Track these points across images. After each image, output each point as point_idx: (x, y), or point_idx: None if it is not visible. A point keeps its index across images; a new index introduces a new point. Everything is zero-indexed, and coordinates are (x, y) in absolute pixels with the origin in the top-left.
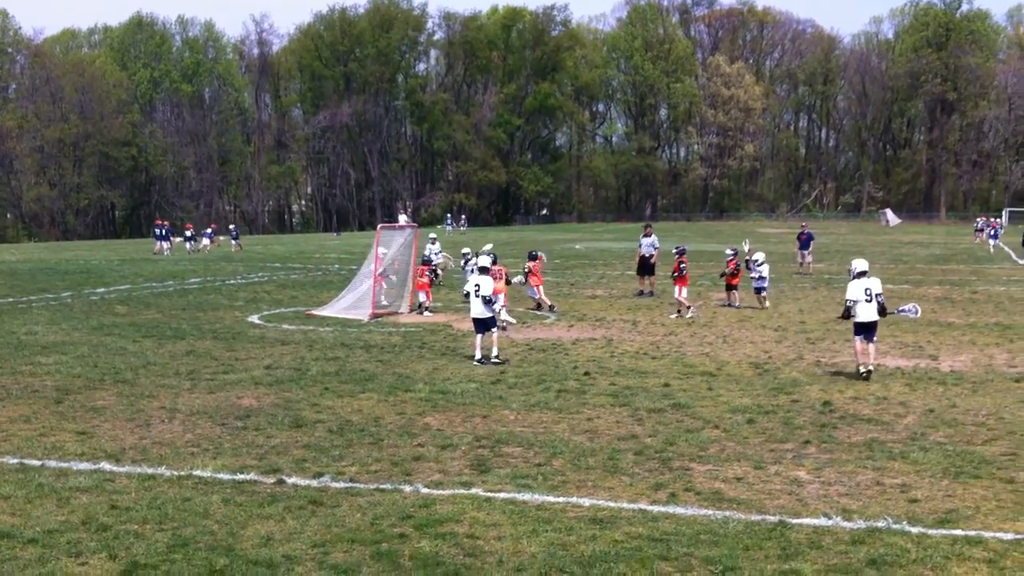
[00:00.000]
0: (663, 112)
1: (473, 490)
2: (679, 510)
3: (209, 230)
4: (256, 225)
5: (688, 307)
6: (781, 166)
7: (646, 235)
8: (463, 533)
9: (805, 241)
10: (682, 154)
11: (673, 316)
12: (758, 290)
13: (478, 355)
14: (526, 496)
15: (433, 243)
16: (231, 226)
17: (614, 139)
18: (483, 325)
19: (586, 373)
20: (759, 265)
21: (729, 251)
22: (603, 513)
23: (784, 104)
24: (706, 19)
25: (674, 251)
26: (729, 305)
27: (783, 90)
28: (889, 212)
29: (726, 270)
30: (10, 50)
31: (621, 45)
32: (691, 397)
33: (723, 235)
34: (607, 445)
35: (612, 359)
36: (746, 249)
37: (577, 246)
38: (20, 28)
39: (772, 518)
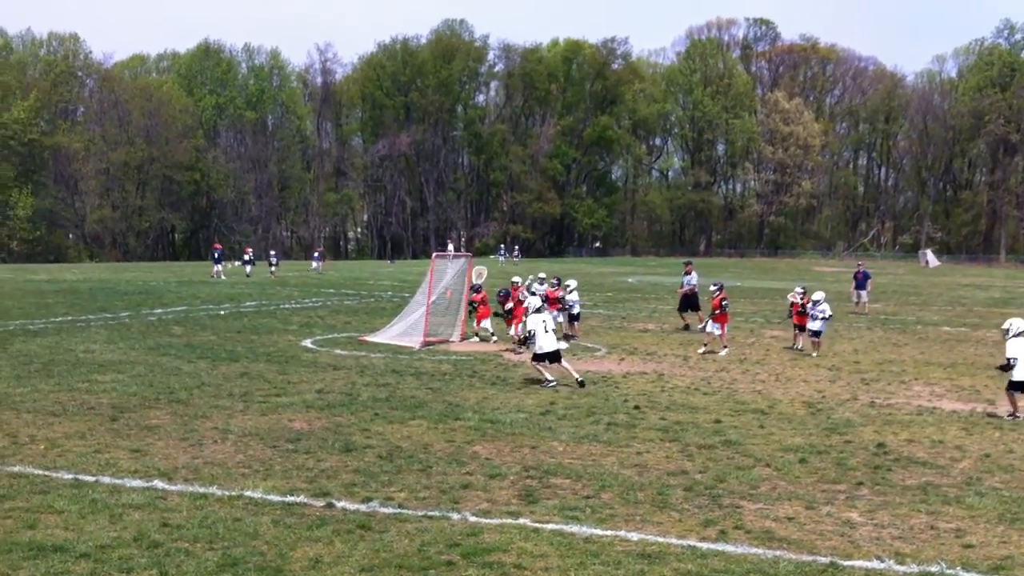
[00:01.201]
0: (720, 147)
1: (521, 520)
2: (729, 548)
3: (273, 255)
4: (312, 252)
5: (724, 346)
6: (839, 204)
7: (687, 273)
8: (510, 563)
9: (861, 280)
10: (738, 190)
11: (700, 351)
12: (815, 334)
13: (577, 376)
14: (574, 528)
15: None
16: (271, 252)
17: (670, 173)
18: (558, 355)
19: (636, 407)
20: (819, 306)
21: (799, 289)
22: (652, 548)
23: (844, 141)
24: (767, 55)
25: (712, 287)
26: (792, 347)
27: (843, 127)
28: (929, 253)
29: (798, 308)
30: (80, 74)
31: (680, 79)
32: (742, 434)
33: (778, 272)
34: (656, 480)
35: (663, 394)
36: (798, 298)
37: (630, 279)
38: (90, 52)
39: (824, 559)
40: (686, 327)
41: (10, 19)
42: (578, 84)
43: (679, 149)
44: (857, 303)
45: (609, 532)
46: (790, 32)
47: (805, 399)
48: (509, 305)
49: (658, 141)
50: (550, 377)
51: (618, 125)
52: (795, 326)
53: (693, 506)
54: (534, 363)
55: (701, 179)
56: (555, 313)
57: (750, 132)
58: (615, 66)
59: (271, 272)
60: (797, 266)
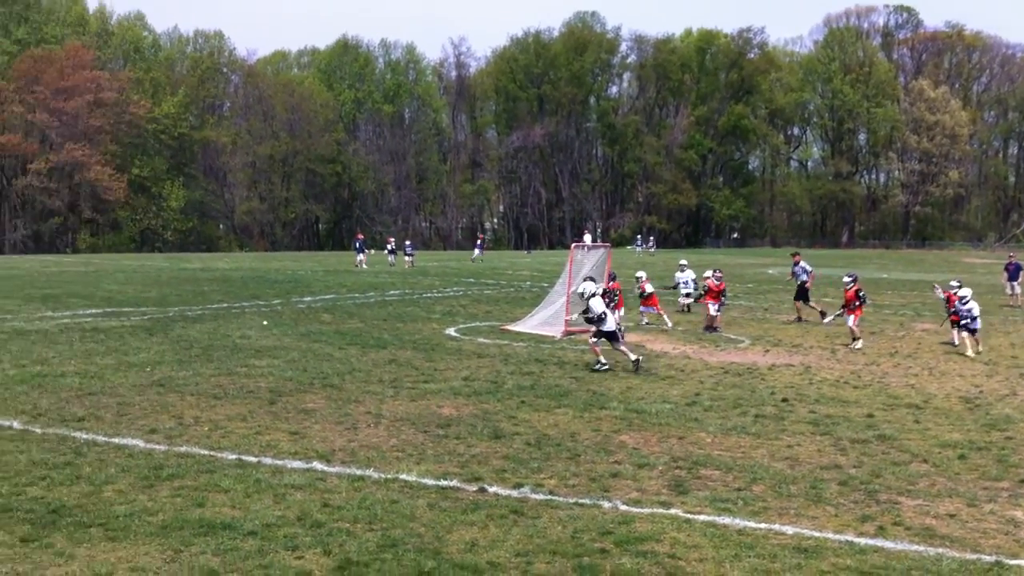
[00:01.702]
0: (862, 137)
1: (672, 510)
2: (888, 544)
3: (409, 244)
4: (450, 242)
5: (855, 338)
6: (989, 194)
7: (796, 263)
8: (664, 553)
9: (1013, 272)
10: (881, 180)
11: (856, 345)
12: (972, 331)
13: (634, 356)
14: (726, 520)
15: (683, 270)
16: (407, 242)
17: (809, 163)
18: (616, 335)
19: (784, 399)
20: (965, 303)
21: (954, 283)
22: (808, 542)
23: (992, 130)
24: (909, 42)
25: (847, 279)
26: (950, 343)
27: (991, 116)
28: None
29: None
30: (225, 70)
31: (818, 68)
32: (897, 429)
33: (925, 264)
34: (809, 474)
35: (811, 386)
36: (940, 295)
37: (770, 271)
38: (235, 49)
39: (988, 558)
40: (799, 319)
41: (158, 17)
42: (712, 74)
43: (818, 138)
44: (1011, 295)
45: (763, 525)
46: (932, 19)
47: (961, 394)
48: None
49: (796, 130)
50: (604, 360)
51: (754, 115)
52: (952, 322)
53: (849, 501)
54: (593, 342)
55: (842, 169)
56: (718, 305)
57: (893, 121)
58: (751, 55)
59: (408, 262)
60: (946, 258)
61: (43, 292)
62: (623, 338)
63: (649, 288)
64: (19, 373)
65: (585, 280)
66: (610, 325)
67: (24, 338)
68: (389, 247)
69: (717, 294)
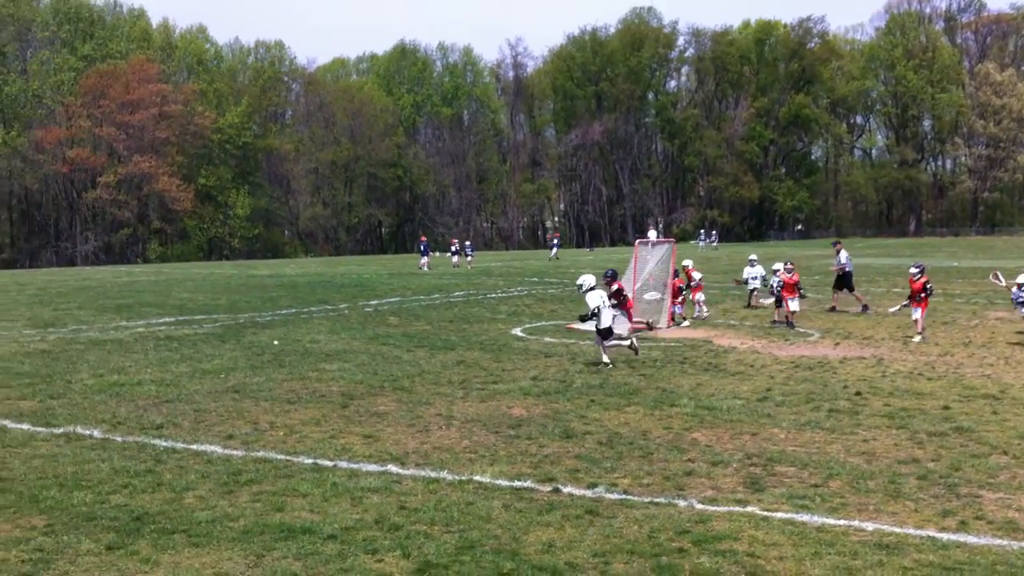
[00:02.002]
0: (927, 123)
1: (749, 508)
2: (971, 539)
3: (468, 245)
4: (512, 241)
5: (920, 332)
6: None
7: (837, 252)
8: (743, 551)
9: None
10: (948, 166)
11: (916, 339)
12: None
13: (606, 359)
14: (804, 517)
15: (753, 264)
16: (467, 242)
17: (873, 152)
18: (611, 331)
19: (857, 393)
20: None
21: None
22: (888, 539)
23: None
24: (972, 26)
25: (914, 269)
26: None
27: None
28: None
29: None
30: (287, 79)
31: (880, 55)
32: (975, 421)
33: (995, 251)
34: (887, 468)
35: (884, 379)
36: (1001, 284)
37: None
38: (295, 58)
39: None
40: (832, 308)
41: (219, 30)
42: (772, 65)
43: (882, 126)
44: None
45: (842, 521)
46: (996, 1)
47: None
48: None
49: (859, 119)
50: (607, 359)
51: (815, 104)
52: None
53: (928, 496)
54: (605, 341)
55: (907, 156)
56: (796, 298)
57: (958, 106)
58: (811, 45)
59: (468, 263)
60: (1017, 243)
61: (116, 302)
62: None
63: (697, 276)
64: (97, 383)
65: (586, 274)
66: (605, 322)
67: (100, 348)
68: (453, 248)
69: (793, 287)
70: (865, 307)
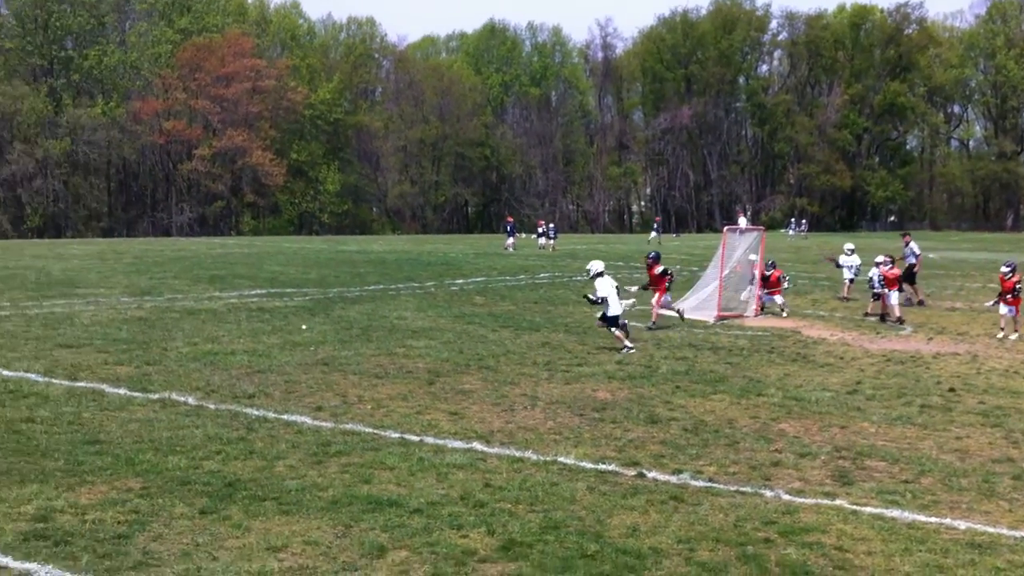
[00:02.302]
0: None
1: (837, 501)
2: None
3: (551, 227)
4: (597, 224)
5: (1016, 330)
6: None
7: (905, 244)
8: (831, 544)
9: None
10: None
11: (1000, 336)
12: None
13: (628, 345)
14: (894, 513)
15: (851, 254)
16: (550, 224)
17: (971, 143)
18: (617, 320)
19: (951, 389)
20: None
21: None
22: (981, 538)
23: None
24: None
25: (1005, 268)
26: None
27: None
28: None
29: None
30: (377, 56)
31: (980, 43)
32: None
33: None
34: (980, 467)
35: (979, 376)
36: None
37: (931, 255)
38: (386, 35)
39: None
40: (920, 303)
41: (313, 5)
42: (867, 51)
43: (980, 117)
44: None
45: (933, 519)
46: None
47: None
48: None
49: (956, 109)
50: (629, 344)
51: (912, 92)
52: None
53: (1023, 496)
54: (612, 328)
55: (1006, 148)
56: (898, 292)
57: None
58: (908, 31)
59: (551, 245)
60: None
61: (210, 273)
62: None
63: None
64: (192, 351)
65: (595, 260)
66: (613, 310)
67: (195, 317)
68: (540, 230)
69: (895, 280)
70: (921, 302)
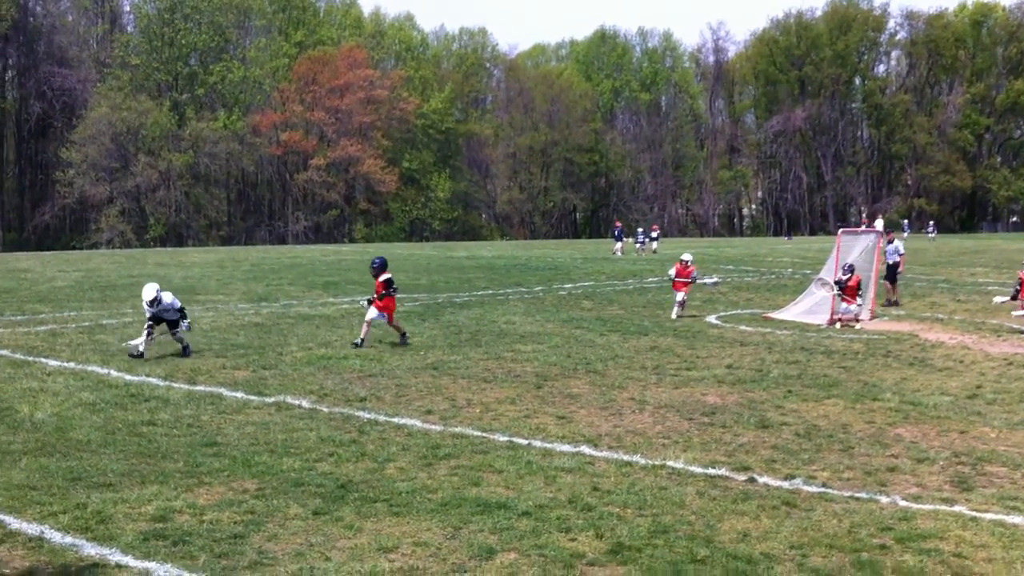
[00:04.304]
0: None
1: (956, 507)
2: None
3: (654, 232)
4: (707, 229)
5: None
6: None
7: (889, 241)
8: (948, 551)
9: None
10: None
11: None
12: None
13: None
14: (1017, 519)
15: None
16: (652, 230)
17: None
18: None
19: None
20: None
21: None
22: None
23: None
24: None
25: None
26: None
27: None
28: None
29: None
30: (488, 65)
31: None
32: None
33: None
34: None
35: None
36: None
37: None
38: (497, 45)
39: None
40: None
41: (426, 17)
42: (989, 49)
43: None
44: None
45: None
46: None
47: None
48: None
49: None
50: None
51: None
52: None
53: None
54: None
55: None
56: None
57: None
58: None
59: (649, 249)
60: None
61: (324, 280)
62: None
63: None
64: (306, 355)
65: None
66: None
67: (309, 322)
68: (654, 234)
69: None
70: (896, 302)
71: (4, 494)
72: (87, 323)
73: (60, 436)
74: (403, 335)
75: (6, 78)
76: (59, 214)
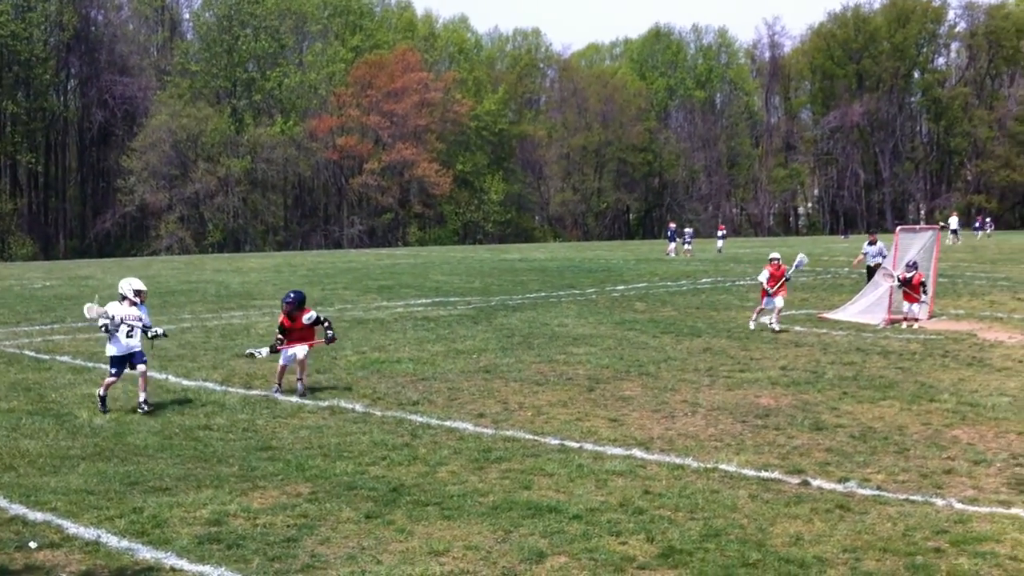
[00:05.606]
0: None
1: (1013, 510)
2: None
3: (720, 232)
4: (761, 228)
5: None
6: None
7: (871, 243)
8: (1005, 554)
9: None
10: None
11: None
12: None
13: None
14: None
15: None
16: (687, 230)
17: None
18: None
19: None
20: None
21: None
22: None
23: None
24: None
25: None
26: None
27: None
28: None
29: None
30: (542, 65)
31: None
32: None
33: None
34: None
35: None
36: None
37: None
38: (551, 45)
39: None
40: None
41: (480, 19)
42: None
43: None
44: None
45: None
46: None
47: None
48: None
49: None
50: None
51: None
52: None
53: None
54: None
55: None
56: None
57: None
58: None
59: (687, 250)
60: None
61: (378, 283)
62: None
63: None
64: (359, 359)
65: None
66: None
67: (363, 326)
68: (720, 234)
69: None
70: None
71: (63, 499)
72: None
73: (118, 441)
74: (278, 387)
75: (68, 87)
76: (120, 221)
